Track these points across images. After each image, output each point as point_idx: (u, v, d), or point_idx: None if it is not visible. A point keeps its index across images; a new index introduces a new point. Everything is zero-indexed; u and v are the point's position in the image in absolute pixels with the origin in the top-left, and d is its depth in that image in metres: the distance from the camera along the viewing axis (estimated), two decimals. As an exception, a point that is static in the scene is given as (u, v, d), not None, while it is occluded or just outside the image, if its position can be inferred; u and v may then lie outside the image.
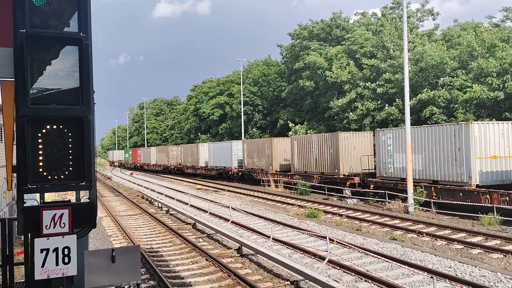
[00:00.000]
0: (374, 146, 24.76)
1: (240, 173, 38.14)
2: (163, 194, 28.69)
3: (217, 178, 42.20)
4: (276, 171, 32.03)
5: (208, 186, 36.24)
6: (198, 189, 34.35)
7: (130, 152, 78.38)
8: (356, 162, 25.20)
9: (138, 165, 70.08)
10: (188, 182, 42.20)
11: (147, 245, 14.11)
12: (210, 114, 60.25)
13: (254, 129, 52.45)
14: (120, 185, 41.70)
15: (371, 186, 22.74)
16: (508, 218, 15.55)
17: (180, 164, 51.65)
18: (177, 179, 46.41)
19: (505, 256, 11.57)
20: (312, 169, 27.86)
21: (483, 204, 16.47)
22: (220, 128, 59.46)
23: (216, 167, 41.81)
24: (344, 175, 25.08)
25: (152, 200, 25.80)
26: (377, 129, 23.62)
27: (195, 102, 68.53)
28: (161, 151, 58.82)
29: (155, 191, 30.87)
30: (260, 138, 42.99)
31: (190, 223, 17.73)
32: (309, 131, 38.42)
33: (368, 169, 24.98)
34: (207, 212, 20.25)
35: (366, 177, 23.94)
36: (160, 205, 23.47)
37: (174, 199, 25.72)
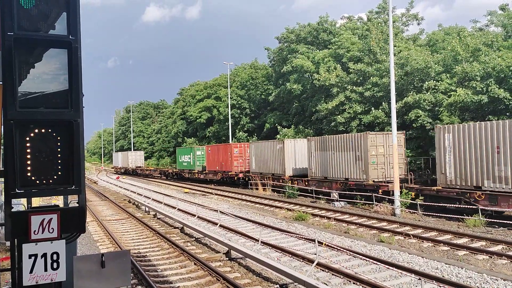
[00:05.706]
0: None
1: None
2: (150, 198, 28.47)
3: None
4: None
5: (195, 189, 36.06)
6: (186, 192, 34.17)
7: (204, 152, 42.81)
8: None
9: (237, 174, 36.10)
10: (175, 186, 41.95)
11: (134, 250, 13.98)
12: (198, 117, 60.10)
13: (241, 132, 52.43)
14: (106, 189, 41.26)
15: None
16: (493, 220, 15.81)
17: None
18: (164, 183, 46.09)
19: (491, 257, 11.75)
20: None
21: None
22: (207, 131, 59.35)
23: None
24: None
25: (139, 204, 25.58)
26: None
27: (182, 106, 68.24)
28: (328, 146, 25.02)
29: (142, 195, 30.60)
30: None
31: (178, 227, 17.61)
32: (297, 135, 38.53)
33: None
34: (195, 216, 20.15)
35: None
36: (147, 209, 23.27)
37: (162, 203, 25.53)
